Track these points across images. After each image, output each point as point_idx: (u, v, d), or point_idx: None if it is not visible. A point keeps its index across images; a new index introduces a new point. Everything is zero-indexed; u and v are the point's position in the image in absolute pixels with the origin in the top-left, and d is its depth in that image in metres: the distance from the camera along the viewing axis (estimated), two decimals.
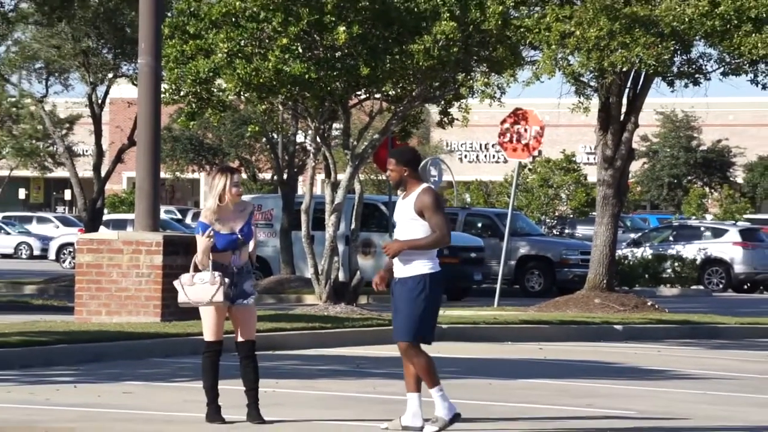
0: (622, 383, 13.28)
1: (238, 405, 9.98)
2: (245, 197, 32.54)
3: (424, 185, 9.73)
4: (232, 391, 10.33)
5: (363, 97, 20.31)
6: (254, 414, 9.84)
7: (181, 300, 9.79)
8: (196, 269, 9.76)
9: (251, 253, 9.91)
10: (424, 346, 9.70)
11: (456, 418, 9.63)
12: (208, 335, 9.82)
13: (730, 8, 20.24)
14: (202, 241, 9.72)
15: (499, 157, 68.50)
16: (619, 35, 20.42)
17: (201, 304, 9.73)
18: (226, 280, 9.70)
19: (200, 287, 9.67)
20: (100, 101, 30.71)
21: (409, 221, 9.67)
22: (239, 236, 9.74)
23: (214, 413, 9.81)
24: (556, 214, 51.21)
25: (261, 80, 18.13)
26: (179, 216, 54.61)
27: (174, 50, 18.42)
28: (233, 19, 18.22)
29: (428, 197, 9.63)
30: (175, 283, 9.80)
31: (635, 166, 58.12)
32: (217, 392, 9.82)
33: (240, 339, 9.84)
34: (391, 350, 15.80)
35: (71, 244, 40.03)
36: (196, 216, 54.92)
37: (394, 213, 9.90)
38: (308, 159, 24.54)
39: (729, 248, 35.19)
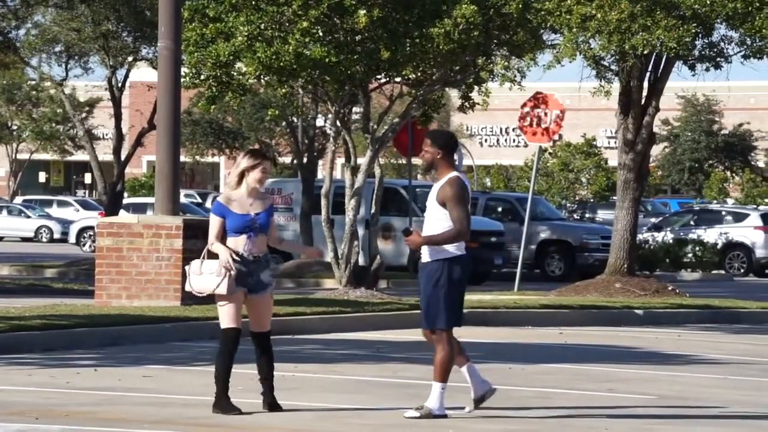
0: (643, 368, 13.24)
1: (255, 390, 9.95)
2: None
3: (452, 174, 9.51)
4: (248, 375, 10.31)
5: (383, 80, 20.27)
6: (271, 403, 9.78)
7: (187, 288, 9.75)
8: (211, 255, 9.66)
9: (283, 245, 9.85)
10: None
11: (441, 417, 9.49)
12: (225, 322, 9.70)
13: None
14: (223, 250, 9.57)
15: (519, 141, 68.37)
16: (640, 18, 20.32)
17: (203, 294, 9.65)
18: (243, 269, 9.60)
19: (207, 277, 9.55)
20: (119, 85, 30.74)
21: (433, 209, 9.59)
22: (252, 215, 9.67)
23: (227, 404, 9.61)
24: (577, 198, 51.14)
25: (281, 64, 18.10)
26: (199, 200, 54.69)
27: (194, 34, 18.40)
28: (253, 2, 18.18)
29: (451, 189, 9.46)
30: (186, 268, 9.74)
31: (656, 150, 57.93)
32: (228, 383, 9.65)
33: (254, 330, 9.74)
34: (411, 335, 15.80)
35: (91, 228, 40.14)
36: (216, 200, 54.78)
37: (429, 196, 9.77)
38: (328, 143, 24.51)
39: (750, 232, 35.05)
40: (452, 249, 9.55)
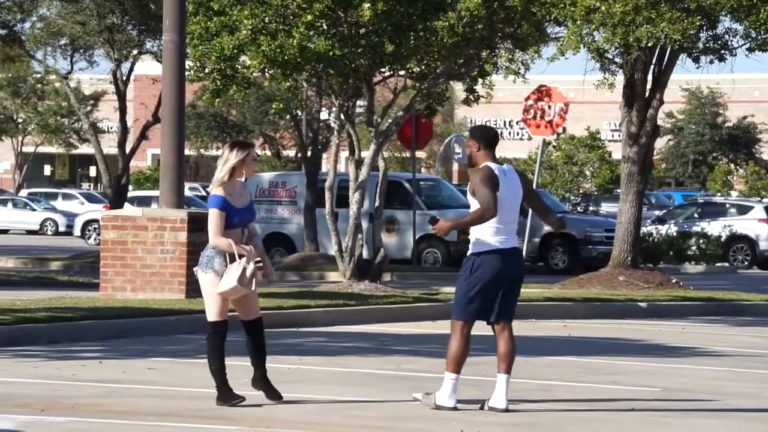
0: (646, 360, 13.27)
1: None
2: (270, 174, 32.51)
3: (484, 164, 9.55)
4: (250, 367, 10.33)
5: (387, 74, 20.29)
6: (272, 393, 9.80)
7: (231, 286, 9.52)
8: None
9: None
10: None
11: (449, 409, 9.50)
12: (216, 315, 9.65)
13: None
14: (229, 243, 9.56)
15: (523, 134, 68.35)
16: (645, 10, 20.32)
17: (222, 290, 9.62)
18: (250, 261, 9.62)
19: (229, 273, 9.59)
20: (124, 78, 30.79)
21: (470, 200, 9.64)
22: (247, 208, 9.70)
23: (229, 393, 9.66)
24: (581, 191, 51.16)
25: (285, 57, 18.12)
26: (203, 193, 54.70)
27: (198, 27, 18.42)
28: None
29: (476, 175, 9.50)
30: (233, 271, 9.48)
31: (660, 143, 57.87)
32: (225, 373, 9.70)
33: (247, 318, 9.75)
34: (415, 328, 15.84)
35: (96, 221, 40.19)
36: (215, 195, 54.67)
37: None
38: (332, 136, 24.54)
39: (754, 225, 35.06)
40: (482, 244, 9.48)
